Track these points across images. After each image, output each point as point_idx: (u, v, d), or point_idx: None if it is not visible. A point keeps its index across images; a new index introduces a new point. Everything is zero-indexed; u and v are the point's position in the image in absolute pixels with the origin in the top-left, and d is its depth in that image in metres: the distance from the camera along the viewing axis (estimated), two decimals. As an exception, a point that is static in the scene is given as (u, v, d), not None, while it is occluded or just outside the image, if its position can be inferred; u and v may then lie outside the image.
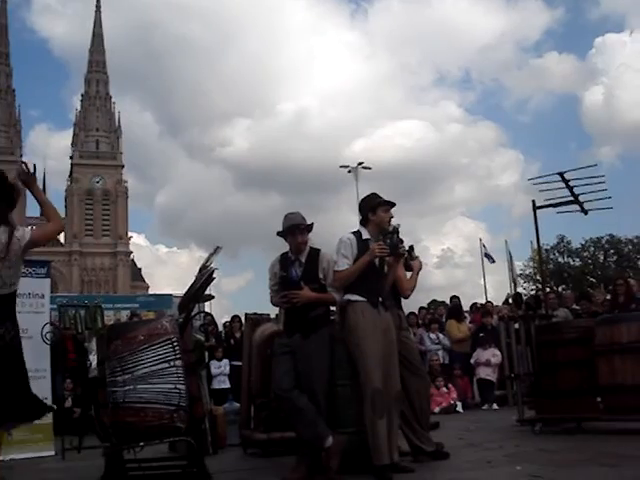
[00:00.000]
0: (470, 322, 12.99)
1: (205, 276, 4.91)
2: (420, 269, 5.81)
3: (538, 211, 7.91)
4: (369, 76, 57.76)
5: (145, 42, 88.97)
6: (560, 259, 42.59)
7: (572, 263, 43.17)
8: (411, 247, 5.82)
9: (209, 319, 13.08)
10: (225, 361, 11.64)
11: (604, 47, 55.09)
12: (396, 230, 5.29)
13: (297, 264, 5.23)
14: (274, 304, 5.46)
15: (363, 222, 5.35)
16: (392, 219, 5.40)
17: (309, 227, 5.29)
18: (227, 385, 11.35)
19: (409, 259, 5.77)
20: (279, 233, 5.28)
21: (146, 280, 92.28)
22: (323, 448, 4.95)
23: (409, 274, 5.81)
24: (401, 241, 5.26)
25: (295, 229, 5.20)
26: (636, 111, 53.56)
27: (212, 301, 14.21)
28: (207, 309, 18.98)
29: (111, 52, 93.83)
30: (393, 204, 5.39)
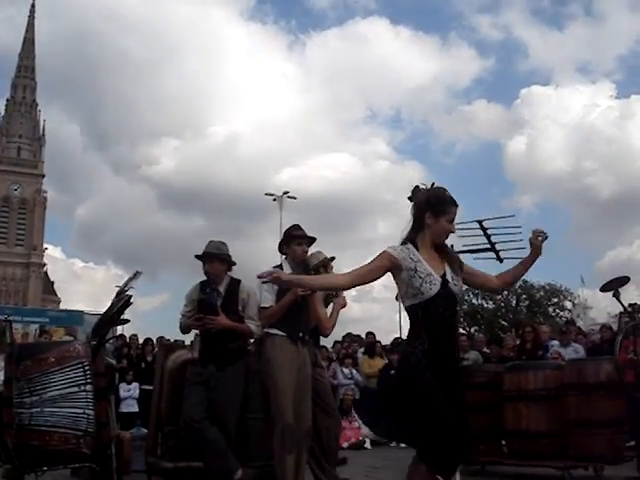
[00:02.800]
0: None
1: (123, 301, 4.85)
2: (343, 306, 5.70)
3: (457, 256, 8.09)
4: (301, 107, 58.51)
5: (80, 52, 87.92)
6: (474, 300, 43.40)
7: (486, 305, 44.08)
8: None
9: (122, 341, 12.91)
10: (135, 384, 11.45)
11: (530, 98, 57.35)
12: (322, 264, 5.32)
13: (215, 293, 5.25)
14: (185, 328, 5.42)
15: (283, 254, 5.40)
16: (307, 253, 5.41)
17: (222, 258, 5.31)
18: (135, 409, 11.15)
19: (332, 296, 5.78)
20: (197, 256, 5.34)
21: (58, 294, 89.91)
22: None
23: (329, 310, 5.82)
24: (316, 273, 5.21)
25: (208, 257, 5.28)
26: (556, 162, 55.66)
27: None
28: (120, 330, 18.63)
29: (43, 59, 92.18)
30: (312, 239, 5.41)
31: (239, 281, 5.35)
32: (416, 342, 3.39)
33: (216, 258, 5.29)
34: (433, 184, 3.60)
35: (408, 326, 3.51)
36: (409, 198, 3.60)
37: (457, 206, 3.56)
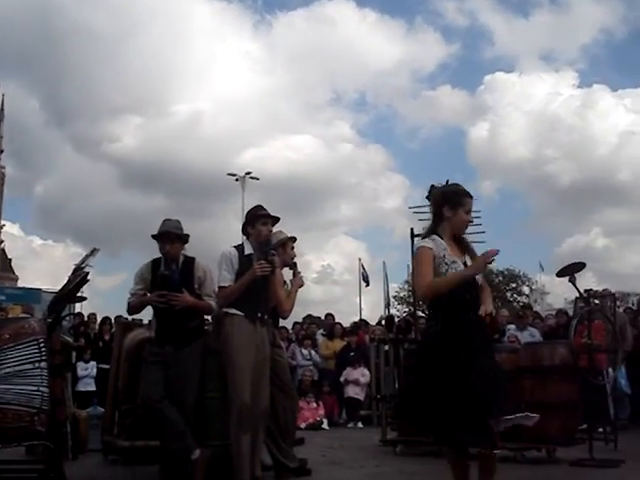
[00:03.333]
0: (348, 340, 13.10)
1: (79, 277, 4.79)
2: (300, 286, 5.80)
3: (416, 239, 8.14)
4: (266, 88, 58.27)
5: (41, 26, 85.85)
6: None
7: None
8: (294, 264, 5.86)
9: (79, 319, 12.78)
10: (92, 363, 11.35)
11: (494, 85, 57.76)
12: (280, 244, 5.32)
13: (165, 271, 5.24)
14: (135, 306, 5.33)
15: (246, 234, 5.35)
16: (272, 233, 5.42)
17: (183, 237, 5.31)
18: (93, 388, 11.06)
19: (293, 274, 5.80)
20: (153, 236, 5.29)
21: (16, 272, 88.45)
22: (189, 460, 4.92)
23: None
24: (273, 254, 5.24)
25: (166, 236, 5.22)
26: (518, 149, 56.09)
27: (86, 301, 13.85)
28: (78, 308, 18.44)
29: (2, 32, 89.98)
30: (275, 218, 5.39)
31: (194, 259, 5.32)
32: (432, 323, 3.77)
33: (177, 238, 5.26)
34: (448, 181, 3.93)
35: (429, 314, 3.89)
36: (427, 197, 3.92)
37: (472, 197, 3.83)
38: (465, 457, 3.79)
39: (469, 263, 3.74)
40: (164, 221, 5.33)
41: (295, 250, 5.83)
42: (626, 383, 9.71)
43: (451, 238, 3.81)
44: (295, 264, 5.86)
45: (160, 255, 5.29)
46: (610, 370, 8.21)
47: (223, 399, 5.14)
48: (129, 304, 5.34)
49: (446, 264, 3.67)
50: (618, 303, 12.63)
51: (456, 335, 3.63)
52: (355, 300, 34.96)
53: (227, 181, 36.29)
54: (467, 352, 3.62)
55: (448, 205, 3.77)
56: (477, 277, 3.76)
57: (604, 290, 9.85)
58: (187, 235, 5.35)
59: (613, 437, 7.23)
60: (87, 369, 11.30)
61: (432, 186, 3.96)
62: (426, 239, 3.79)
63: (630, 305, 18.40)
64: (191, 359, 5.12)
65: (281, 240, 5.43)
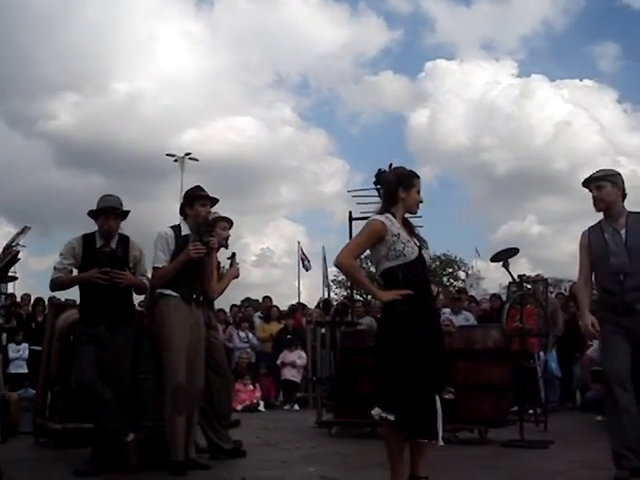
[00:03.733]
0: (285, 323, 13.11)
1: (9, 256, 4.65)
2: (235, 277, 5.81)
3: (355, 222, 8.18)
4: (207, 68, 57.44)
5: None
6: (372, 269, 44.09)
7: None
8: (233, 254, 5.84)
9: (11, 300, 12.51)
10: (24, 345, 11.14)
11: (434, 72, 58.07)
12: (211, 224, 5.27)
13: (106, 248, 5.12)
14: (64, 283, 5.15)
15: (184, 215, 5.28)
16: (211, 214, 5.38)
17: (125, 213, 5.20)
18: (25, 370, 10.86)
19: (230, 264, 5.80)
20: (91, 212, 5.16)
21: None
22: (124, 442, 4.87)
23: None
24: (211, 235, 5.21)
25: (110, 212, 5.10)
26: (456, 137, 56.50)
27: (19, 281, 13.55)
28: (10, 288, 18.03)
29: None
30: (214, 200, 5.35)
31: (128, 237, 5.24)
32: (396, 304, 3.76)
33: (119, 214, 5.15)
34: (391, 165, 4.04)
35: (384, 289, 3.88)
36: (375, 182, 4.12)
37: (419, 178, 4.01)
38: (402, 438, 3.86)
39: (417, 242, 3.92)
40: (104, 197, 5.20)
41: (229, 231, 5.79)
42: (556, 367, 9.95)
43: (401, 220, 3.95)
44: (234, 255, 5.86)
45: (93, 231, 5.16)
46: (541, 354, 8.40)
47: (157, 380, 5.10)
48: (57, 279, 5.11)
49: (402, 242, 3.82)
50: (551, 289, 12.89)
51: (416, 314, 3.78)
52: (294, 283, 34.99)
53: (166, 162, 35.69)
54: (425, 330, 3.80)
55: (402, 186, 3.93)
56: (427, 259, 3.96)
57: (537, 276, 10.04)
58: (129, 211, 5.25)
59: (543, 419, 7.42)
60: (19, 351, 11.08)
61: (380, 170, 4.08)
62: (381, 215, 3.90)
63: (562, 291, 18.82)
64: (125, 339, 5.06)
65: (211, 220, 5.35)
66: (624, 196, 4.61)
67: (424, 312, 3.84)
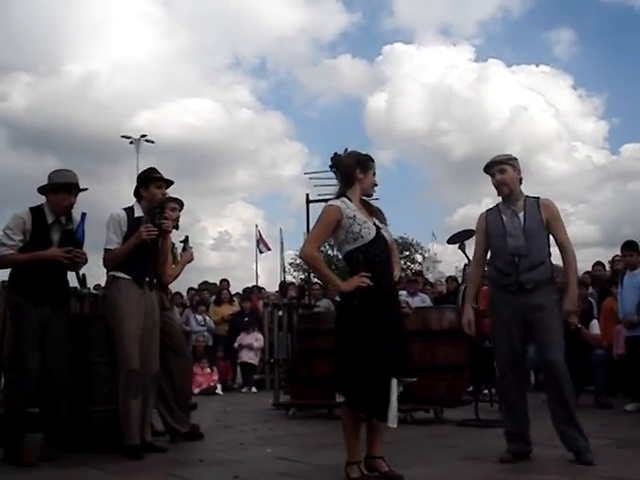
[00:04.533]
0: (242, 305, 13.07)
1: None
2: (189, 261, 5.81)
3: (312, 205, 8.20)
4: (164, 50, 56.72)
5: None
6: (330, 252, 44.22)
7: (340, 256, 45.03)
8: (186, 238, 5.82)
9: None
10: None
11: (392, 56, 58.10)
12: (161, 206, 5.22)
13: (57, 225, 4.90)
14: (13, 261, 4.78)
15: (137, 197, 5.21)
16: (165, 196, 5.32)
17: (82, 190, 5.01)
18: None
19: (183, 248, 5.78)
20: (48, 186, 4.91)
21: None
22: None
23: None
24: (165, 217, 5.18)
25: (73, 188, 4.91)
26: (413, 121, 56.73)
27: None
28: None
29: None
30: (169, 182, 5.29)
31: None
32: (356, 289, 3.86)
33: (78, 190, 4.97)
34: (346, 149, 4.16)
35: (348, 272, 4.02)
36: (331, 166, 4.16)
37: (374, 162, 4.17)
38: (358, 418, 3.93)
39: (377, 221, 4.03)
40: (62, 171, 4.98)
41: (179, 212, 5.74)
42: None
43: (360, 201, 4.08)
44: (187, 238, 5.85)
45: (38, 204, 4.90)
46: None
47: (110, 364, 5.04)
48: (7, 257, 4.75)
49: (358, 224, 3.92)
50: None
51: (374, 295, 3.88)
52: (252, 267, 34.91)
53: (121, 144, 35.27)
54: (380, 312, 3.88)
55: (360, 168, 4.07)
56: (387, 237, 4.05)
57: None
58: (87, 188, 5.05)
59: (497, 399, 7.51)
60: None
61: (336, 154, 4.16)
62: (336, 200, 4.02)
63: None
64: (66, 321, 4.94)
65: (161, 201, 5.27)
66: (520, 180, 4.64)
67: (382, 294, 3.92)
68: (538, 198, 4.60)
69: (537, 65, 68.33)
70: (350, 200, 4.02)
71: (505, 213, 4.59)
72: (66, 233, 4.89)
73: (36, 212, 4.86)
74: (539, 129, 53.06)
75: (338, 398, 3.91)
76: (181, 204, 5.78)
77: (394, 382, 3.85)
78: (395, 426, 3.87)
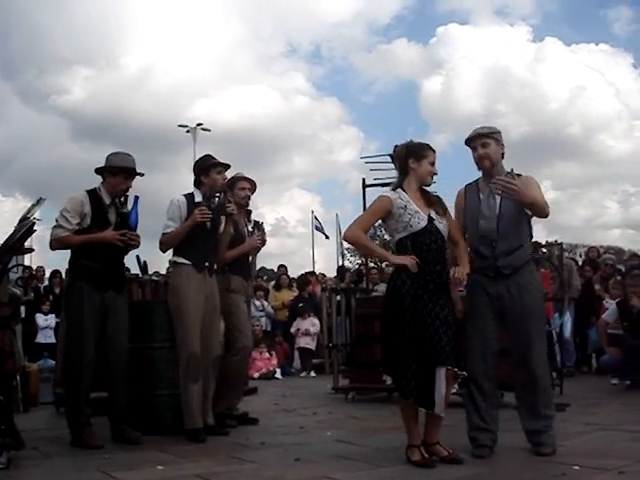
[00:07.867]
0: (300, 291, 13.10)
1: (25, 228, 4.66)
2: (254, 248, 5.75)
3: (368, 189, 8.16)
4: (219, 39, 57.18)
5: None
6: (386, 237, 44.09)
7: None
8: (255, 223, 5.79)
9: (28, 272, 12.57)
10: (51, 315, 11.11)
11: (446, 37, 57.42)
12: (223, 190, 5.26)
13: (114, 207, 4.97)
14: (69, 242, 4.82)
15: (197, 184, 5.25)
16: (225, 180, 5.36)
17: (139, 175, 5.07)
18: (53, 340, 10.82)
19: (255, 232, 5.74)
20: (106, 169, 4.96)
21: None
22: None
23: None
24: (228, 200, 5.24)
25: (132, 172, 4.98)
26: (470, 103, 56.12)
27: (36, 253, 13.62)
28: (27, 262, 18.14)
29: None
30: (227, 166, 5.32)
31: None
32: (401, 273, 3.96)
33: (135, 174, 5.02)
34: (411, 140, 4.17)
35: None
36: (390, 156, 4.41)
37: (435, 151, 4.15)
38: (412, 404, 3.97)
39: (433, 212, 4.04)
40: (122, 155, 5.02)
41: (249, 192, 5.75)
42: (572, 331, 9.89)
43: (418, 191, 4.11)
44: (257, 224, 5.81)
45: (94, 188, 4.96)
46: (557, 317, 8.38)
47: (172, 349, 5.12)
48: (63, 238, 4.81)
49: (409, 214, 3.98)
50: (566, 254, 12.83)
51: (418, 281, 3.92)
52: (309, 252, 35.05)
53: (178, 133, 35.66)
54: (426, 300, 3.91)
55: (413, 157, 4.08)
56: (442, 229, 4.04)
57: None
58: (143, 174, 5.09)
59: (559, 382, 7.41)
60: (47, 320, 11.06)
61: (396, 146, 4.21)
62: (389, 191, 4.10)
63: (577, 256, 18.73)
64: (126, 306, 5.04)
65: (228, 180, 5.31)
66: (502, 155, 4.32)
67: (428, 282, 3.94)
68: (519, 175, 4.25)
69: (597, 44, 66.85)
70: (405, 191, 4.06)
71: (483, 191, 4.30)
72: (122, 215, 4.97)
73: (93, 194, 4.92)
74: (599, 109, 51.99)
75: (387, 380, 4.02)
76: (252, 183, 5.79)
77: (441, 371, 3.85)
78: (442, 415, 3.92)
